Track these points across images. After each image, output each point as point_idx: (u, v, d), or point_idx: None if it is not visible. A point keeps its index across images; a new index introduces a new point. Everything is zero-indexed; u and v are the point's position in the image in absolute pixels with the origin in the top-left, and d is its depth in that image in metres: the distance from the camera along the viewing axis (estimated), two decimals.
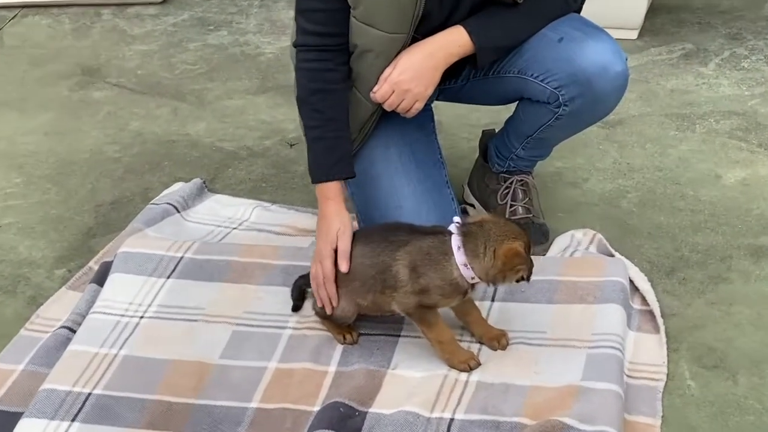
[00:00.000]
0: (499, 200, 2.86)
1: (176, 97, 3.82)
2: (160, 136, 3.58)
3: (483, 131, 3.00)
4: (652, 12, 4.18)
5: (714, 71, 3.78)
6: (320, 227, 2.51)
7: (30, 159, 3.49)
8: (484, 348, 2.48)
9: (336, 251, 2.44)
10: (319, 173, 2.53)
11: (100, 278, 2.77)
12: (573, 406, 2.26)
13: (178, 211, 3.07)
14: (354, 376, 2.40)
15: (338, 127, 2.53)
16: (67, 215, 3.17)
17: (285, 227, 3.01)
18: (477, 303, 2.57)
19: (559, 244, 2.82)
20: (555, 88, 2.58)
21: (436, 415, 2.28)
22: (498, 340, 2.47)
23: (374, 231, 2.50)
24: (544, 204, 3.02)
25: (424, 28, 2.53)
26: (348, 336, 2.50)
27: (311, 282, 2.51)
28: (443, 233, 2.36)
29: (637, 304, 2.63)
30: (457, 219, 2.37)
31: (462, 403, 2.32)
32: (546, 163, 3.23)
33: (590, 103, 2.60)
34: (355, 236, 2.47)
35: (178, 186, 3.20)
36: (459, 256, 2.34)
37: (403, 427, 2.25)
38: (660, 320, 2.56)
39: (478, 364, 2.42)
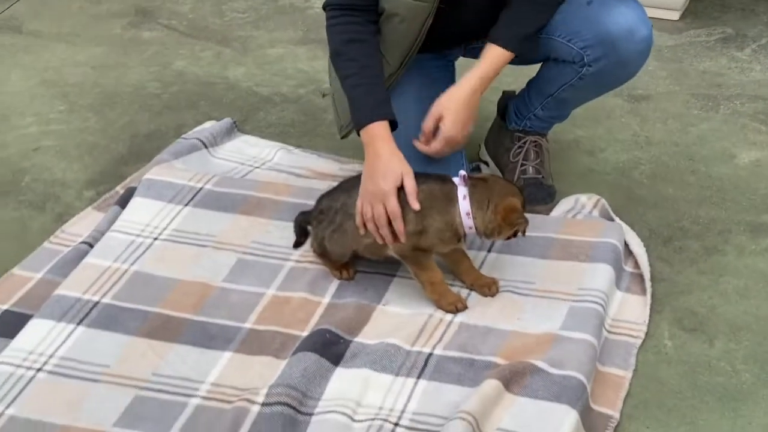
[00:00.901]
0: (511, 158, 2.95)
1: (221, 42, 3.96)
2: (201, 77, 3.72)
3: (503, 92, 3.09)
4: None
5: (749, 56, 3.82)
6: (376, 167, 2.48)
7: (75, 89, 3.65)
8: (473, 294, 2.58)
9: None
10: (363, 116, 2.54)
11: (124, 201, 2.92)
12: (547, 351, 2.36)
13: (206, 147, 3.20)
14: (345, 308, 2.52)
15: (374, 73, 2.59)
16: (103, 143, 3.33)
17: (305, 170, 3.13)
18: (474, 253, 2.69)
19: (563, 206, 2.91)
20: (581, 48, 2.67)
21: (416, 349, 2.40)
22: (489, 287, 2.57)
23: None
24: (557, 168, 3.11)
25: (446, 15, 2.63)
26: (345, 272, 2.62)
27: (367, 223, 2.50)
28: (450, 181, 2.47)
29: (629, 267, 2.71)
30: (462, 172, 2.46)
31: (443, 341, 2.43)
32: (566, 130, 3.32)
33: (614, 65, 2.68)
34: (355, 180, 2.58)
35: (209, 124, 3.34)
36: (464, 205, 2.44)
37: (383, 356, 2.36)
38: (648, 283, 2.64)
39: (465, 308, 2.52)
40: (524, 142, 2.94)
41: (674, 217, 2.93)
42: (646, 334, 2.53)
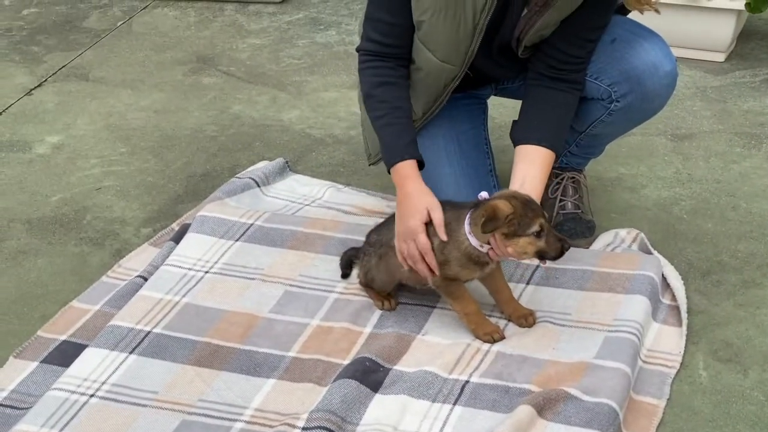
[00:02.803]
0: (549, 194, 3.03)
1: (277, 87, 4.10)
2: (256, 119, 3.85)
3: None
4: (745, 36, 4.27)
5: None
6: (406, 206, 2.57)
7: (137, 132, 3.80)
8: (511, 324, 2.65)
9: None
10: (393, 155, 2.64)
11: (178, 237, 3.05)
12: (581, 379, 2.42)
13: (258, 186, 3.32)
14: (385, 338, 2.60)
15: (404, 115, 2.68)
16: (161, 183, 3.47)
17: (353, 207, 3.23)
18: (513, 285, 2.76)
19: (602, 240, 2.97)
20: (608, 85, 2.75)
21: (453, 376, 2.48)
22: (525, 318, 2.64)
23: None
24: (599, 205, 3.18)
25: (478, 64, 2.73)
26: (386, 303, 2.71)
27: (406, 261, 2.59)
28: (467, 207, 2.54)
29: (667, 300, 2.77)
30: (483, 194, 2.52)
31: (479, 369, 2.50)
32: (609, 168, 3.40)
33: (640, 99, 2.76)
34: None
35: (262, 164, 3.47)
36: (466, 224, 2.51)
37: (421, 384, 2.44)
38: (684, 315, 2.69)
39: (502, 338, 2.59)
40: (562, 179, 3.02)
41: (713, 251, 2.98)
42: (681, 364, 2.57)
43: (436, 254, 2.54)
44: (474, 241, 2.50)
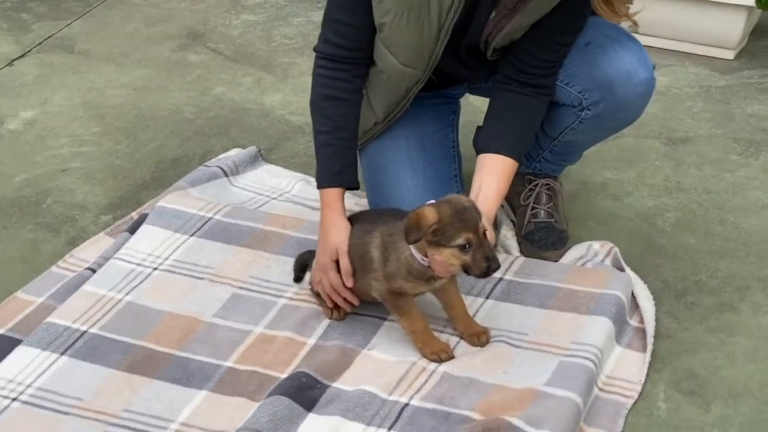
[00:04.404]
0: (521, 201, 2.87)
1: (264, 68, 3.95)
2: (237, 102, 3.71)
3: None
4: (759, 34, 4.07)
5: None
6: (321, 239, 2.54)
7: (113, 111, 3.68)
8: (463, 342, 2.50)
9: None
10: (322, 179, 2.57)
11: (134, 228, 2.92)
12: (527, 408, 2.27)
13: (227, 175, 3.19)
14: (328, 351, 2.47)
15: (346, 136, 2.57)
16: (129, 167, 3.34)
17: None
18: (471, 299, 2.61)
19: (574, 253, 2.81)
20: (579, 92, 2.59)
21: (393, 398, 2.34)
22: (478, 337, 2.49)
23: (368, 215, 2.56)
24: (578, 211, 3.03)
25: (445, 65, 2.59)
26: (335, 312, 2.57)
27: (317, 287, 2.55)
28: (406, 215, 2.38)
29: (634, 321, 2.61)
30: (431, 202, 2.36)
31: (421, 391, 2.36)
32: (595, 172, 3.23)
33: (613, 109, 2.60)
34: (353, 218, 2.54)
35: (234, 152, 3.33)
36: None
37: (357, 405, 2.31)
38: (650, 340, 2.53)
39: (450, 358, 2.45)
40: (535, 185, 2.86)
41: (692, 269, 2.81)
42: (641, 394, 2.42)
43: (381, 267, 2.40)
44: (416, 253, 2.35)
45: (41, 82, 3.90)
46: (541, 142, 2.80)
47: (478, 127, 2.64)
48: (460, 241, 2.27)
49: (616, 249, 2.80)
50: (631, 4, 2.52)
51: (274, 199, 3.13)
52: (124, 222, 3.03)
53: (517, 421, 2.22)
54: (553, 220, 2.85)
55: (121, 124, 3.60)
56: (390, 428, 2.27)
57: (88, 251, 2.91)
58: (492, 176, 2.50)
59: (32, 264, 2.89)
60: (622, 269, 2.74)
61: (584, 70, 2.57)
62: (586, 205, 3.09)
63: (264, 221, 2.92)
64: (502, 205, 2.99)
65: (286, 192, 3.16)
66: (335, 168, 2.56)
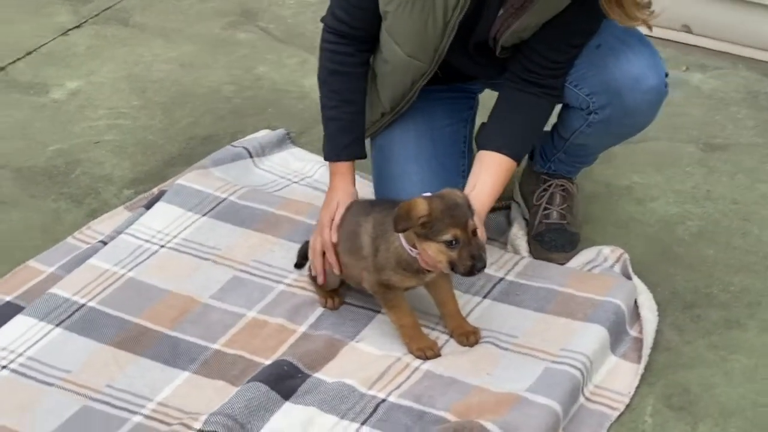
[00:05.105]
0: (534, 201, 2.83)
1: (310, 50, 3.93)
2: (277, 83, 3.72)
3: None
4: None
5: None
6: (326, 198, 2.59)
7: (155, 85, 3.71)
8: (452, 341, 2.48)
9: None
10: (331, 152, 2.62)
11: (151, 204, 2.96)
12: (505, 413, 2.25)
13: (251, 156, 3.20)
14: (316, 340, 2.47)
15: (353, 110, 2.60)
16: (160, 142, 3.38)
17: None
18: (468, 297, 2.59)
19: (583, 257, 2.76)
20: (587, 95, 2.54)
21: (371, 392, 2.33)
22: (467, 336, 2.47)
23: (366, 203, 2.55)
24: (598, 214, 2.98)
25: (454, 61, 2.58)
26: (330, 301, 2.57)
27: (309, 252, 2.58)
28: None
29: (634, 332, 2.56)
30: (426, 194, 2.33)
31: (401, 388, 2.35)
32: (622, 175, 3.17)
33: (620, 114, 2.54)
34: (351, 205, 2.53)
35: (263, 133, 3.34)
36: None
37: (335, 397, 2.31)
38: (646, 352, 2.48)
39: (436, 355, 2.43)
40: (549, 185, 2.81)
41: (704, 281, 2.74)
42: (628, 406, 2.37)
43: (372, 257, 2.38)
44: (405, 244, 2.33)
45: (92, 53, 3.95)
46: (556, 143, 2.75)
47: (482, 124, 2.60)
48: (448, 236, 2.25)
49: (626, 256, 2.74)
50: (648, 8, 2.45)
51: (295, 182, 3.13)
52: (144, 197, 3.06)
53: (491, 426, 2.20)
54: (565, 222, 2.80)
55: (161, 99, 3.63)
56: (363, 423, 2.26)
57: (105, 224, 2.94)
58: (488, 174, 2.48)
59: (52, 234, 2.94)
60: (629, 277, 2.68)
61: (593, 72, 2.51)
62: (607, 208, 3.03)
63: (277, 205, 2.92)
64: (518, 203, 2.95)
65: (308, 176, 3.16)
66: (343, 142, 2.61)
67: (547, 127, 2.81)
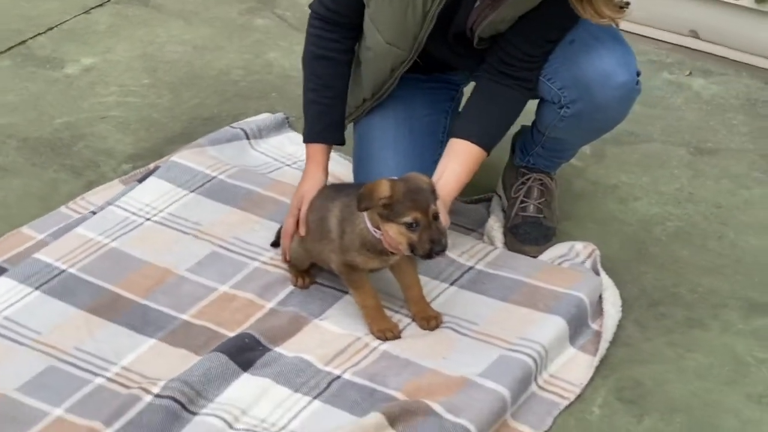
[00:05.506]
0: (512, 194, 2.88)
1: None
2: (286, 69, 3.80)
3: (522, 126, 3.00)
4: None
5: None
6: (298, 184, 2.68)
7: (167, 66, 3.81)
8: (414, 325, 2.54)
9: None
10: (308, 135, 2.70)
11: (144, 178, 3.05)
12: (451, 395, 2.31)
13: (248, 138, 3.28)
14: (281, 317, 2.54)
15: (333, 95, 2.67)
16: (164, 121, 3.47)
17: (331, 174, 3.15)
18: (436, 283, 2.65)
19: (555, 251, 2.81)
20: (559, 89, 2.60)
21: (327, 369, 2.40)
22: (428, 321, 2.53)
23: (336, 187, 2.62)
24: (580, 211, 3.03)
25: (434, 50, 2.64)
26: (300, 280, 2.65)
27: (283, 233, 2.68)
28: None
29: (596, 326, 2.61)
30: (392, 177, 2.40)
31: (357, 366, 2.41)
32: (610, 174, 3.22)
33: (591, 109, 2.59)
34: (325, 188, 2.61)
35: (263, 116, 3.42)
36: None
37: (291, 371, 2.38)
38: (603, 345, 2.53)
39: (396, 337, 2.50)
40: (528, 179, 2.86)
41: (673, 281, 2.78)
42: (579, 397, 2.42)
43: (338, 238, 2.46)
44: (369, 225, 2.40)
45: (111, 32, 4.05)
46: (534, 137, 2.80)
47: (458, 112, 2.67)
48: (407, 219, 2.32)
49: (598, 252, 2.79)
50: (624, 7, 2.49)
51: (287, 165, 3.20)
52: (139, 172, 3.15)
53: (437, 407, 2.26)
54: (541, 216, 2.85)
55: (170, 79, 3.72)
56: (315, 397, 2.33)
57: (99, 195, 3.04)
58: (457, 162, 2.54)
59: (48, 203, 3.04)
60: (598, 273, 2.72)
61: (565, 67, 2.57)
62: (590, 205, 3.07)
63: (265, 186, 3.00)
64: (499, 196, 3.00)
65: (300, 160, 3.19)
66: (320, 125, 2.69)
67: (528, 122, 2.86)
